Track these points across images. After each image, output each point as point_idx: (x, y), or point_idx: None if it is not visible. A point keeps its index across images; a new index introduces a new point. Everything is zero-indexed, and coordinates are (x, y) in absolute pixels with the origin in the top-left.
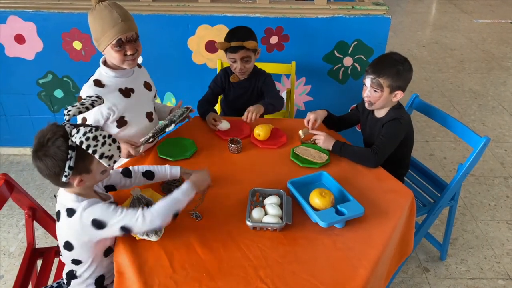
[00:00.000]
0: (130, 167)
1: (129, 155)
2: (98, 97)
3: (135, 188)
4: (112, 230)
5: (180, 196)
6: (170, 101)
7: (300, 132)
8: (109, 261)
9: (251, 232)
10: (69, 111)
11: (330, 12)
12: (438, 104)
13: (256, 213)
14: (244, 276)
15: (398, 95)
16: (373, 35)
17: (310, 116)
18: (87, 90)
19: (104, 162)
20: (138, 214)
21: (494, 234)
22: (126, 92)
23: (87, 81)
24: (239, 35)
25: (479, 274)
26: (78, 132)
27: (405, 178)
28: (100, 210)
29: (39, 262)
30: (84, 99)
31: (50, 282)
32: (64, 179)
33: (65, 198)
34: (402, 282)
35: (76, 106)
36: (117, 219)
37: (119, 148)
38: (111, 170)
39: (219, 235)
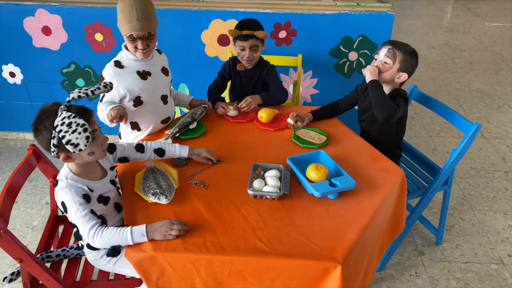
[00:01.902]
0: (143, 142)
1: None
2: (105, 85)
3: (149, 161)
4: (69, 219)
5: (129, 236)
6: (184, 91)
7: (289, 120)
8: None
9: (251, 200)
10: (72, 93)
11: (336, 9)
12: (444, 102)
13: (257, 183)
14: (243, 235)
15: (402, 77)
16: (377, 31)
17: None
18: (108, 69)
19: (69, 148)
20: (90, 227)
21: (490, 223)
22: (143, 75)
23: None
24: (250, 25)
25: (473, 258)
26: (60, 115)
27: (401, 163)
28: (69, 197)
29: (60, 228)
30: (93, 87)
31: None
32: (52, 153)
33: (62, 168)
34: (398, 264)
35: (78, 90)
36: (74, 215)
37: (87, 138)
38: (125, 144)
39: (222, 202)
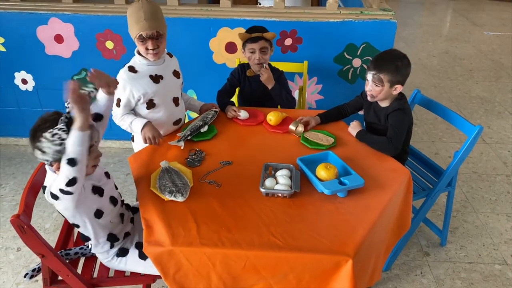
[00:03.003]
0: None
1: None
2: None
3: (163, 161)
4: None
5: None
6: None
7: (291, 126)
8: (105, 221)
9: (264, 198)
10: (69, 102)
11: (340, 17)
12: None
13: (268, 182)
14: (257, 231)
15: (398, 89)
16: (380, 38)
17: (305, 117)
18: (122, 74)
19: (36, 154)
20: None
21: (493, 225)
22: (156, 78)
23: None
24: (258, 29)
25: (477, 259)
26: (53, 127)
27: (406, 166)
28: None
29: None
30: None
31: None
32: (46, 162)
33: (47, 177)
34: (403, 264)
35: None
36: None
37: (59, 152)
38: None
39: (236, 200)
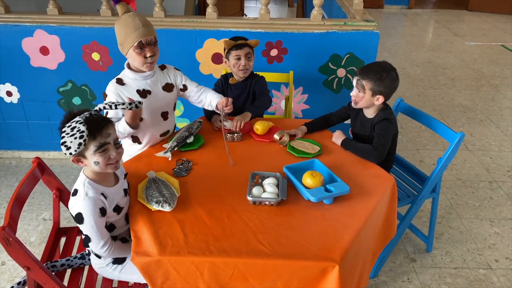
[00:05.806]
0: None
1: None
2: (130, 103)
3: (150, 171)
4: (83, 231)
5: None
6: (179, 108)
7: (275, 135)
8: (115, 233)
9: (251, 206)
10: (100, 104)
11: (324, 28)
12: None
13: (256, 190)
14: (245, 239)
15: (380, 99)
16: (363, 49)
17: (292, 130)
18: (110, 86)
19: (62, 149)
20: (104, 244)
21: (477, 231)
22: (143, 93)
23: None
24: (241, 37)
25: (462, 264)
26: (74, 119)
27: (390, 173)
28: (88, 210)
29: (62, 240)
30: (118, 102)
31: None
32: (66, 154)
33: (79, 177)
34: (390, 270)
35: (105, 103)
36: (90, 229)
37: (80, 144)
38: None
39: (223, 208)
